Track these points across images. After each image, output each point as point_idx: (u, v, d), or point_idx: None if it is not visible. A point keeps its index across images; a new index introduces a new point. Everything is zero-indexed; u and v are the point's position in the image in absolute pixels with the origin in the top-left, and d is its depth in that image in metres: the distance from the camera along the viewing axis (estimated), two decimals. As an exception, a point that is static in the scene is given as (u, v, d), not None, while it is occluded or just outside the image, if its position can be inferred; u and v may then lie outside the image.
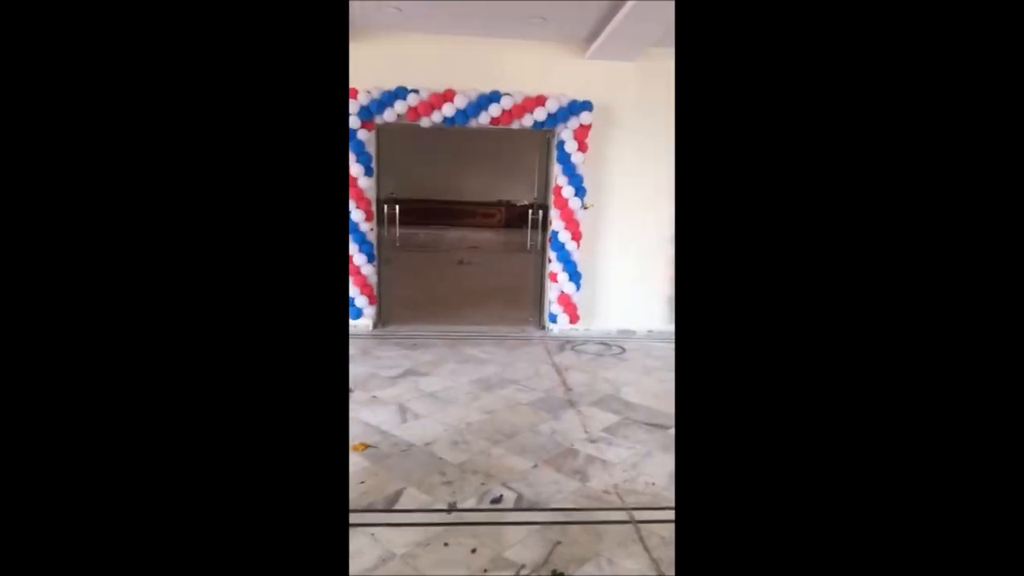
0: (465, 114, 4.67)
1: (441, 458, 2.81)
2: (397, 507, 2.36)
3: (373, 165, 4.91)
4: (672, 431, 3.23)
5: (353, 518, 2.21)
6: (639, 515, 2.37)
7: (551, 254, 5.13)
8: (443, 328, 5.31)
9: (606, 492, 2.55)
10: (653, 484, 2.63)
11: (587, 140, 4.83)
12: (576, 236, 5.00)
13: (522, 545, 2.13)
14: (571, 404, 3.59)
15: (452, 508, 2.36)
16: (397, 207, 5.42)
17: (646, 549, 2.14)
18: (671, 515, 2.38)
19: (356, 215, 4.80)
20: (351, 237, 4.83)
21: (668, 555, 2.10)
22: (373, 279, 5.08)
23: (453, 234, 12.25)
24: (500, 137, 5.23)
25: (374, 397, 3.58)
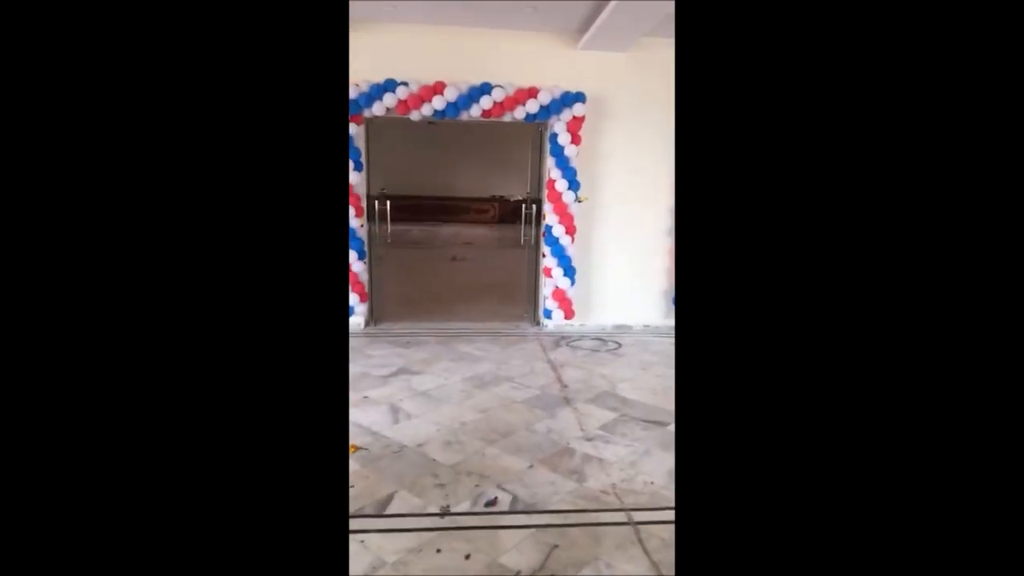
0: (456, 107, 4.58)
1: (434, 459, 2.73)
2: (388, 512, 2.28)
3: (362, 160, 4.81)
4: (670, 428, 3.16)
5: (342, 524, 2.13)
6: (638, 516, 2.30)
7: (545, 249, 5.05)
8: (436, 325, 5.22)
9: (604, 492, 2.48)
10: (652, 483, 2.57)
11: (580, 132, 4.75)
12: (570, 230, 4.92)
13: (518, 550, 2.06)
14: (567, 401, 3.52)
15: (445, 512, 2.28)
16: (388, 203, 5.33)
17: (646, 552, 2.07)
18: (671, 515, 2.31)
19: (346, 211, 4.71)
20: (341, 234, 4.73)
21: (668, 558, 2.03)
22: (364, 276, 4.99)
23: (447, 230, 12.15)
24: (493, 131, 5.15)
25: (365, 397, 3.50)
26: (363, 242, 4.92)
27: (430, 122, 4.87)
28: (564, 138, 4.73)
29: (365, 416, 3.21)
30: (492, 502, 2.36)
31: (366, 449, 2.81)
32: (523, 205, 5.33)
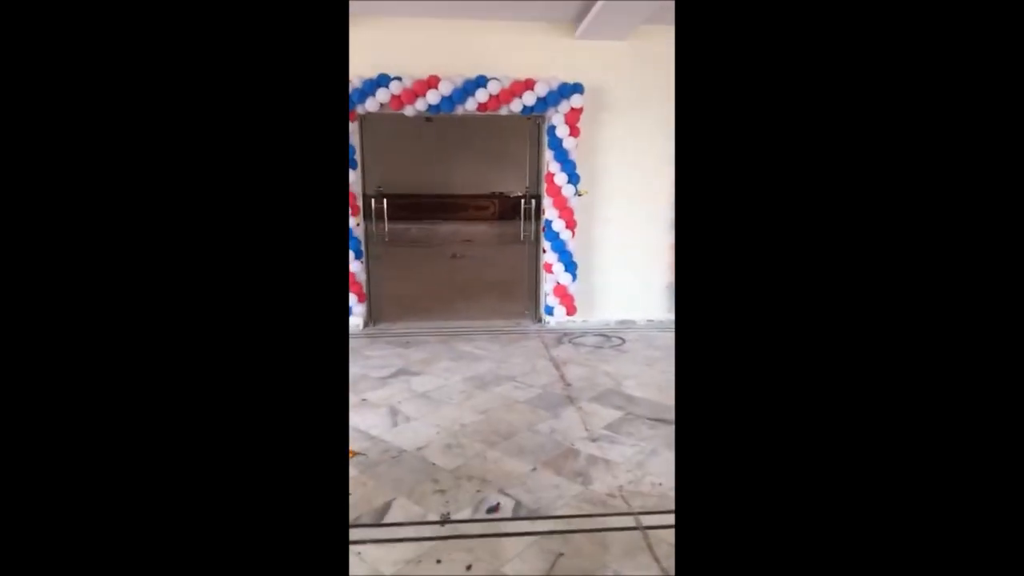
0: (451, 101, 4.47)
1: (434, 464, 2.64)
2: (386, 521, 2.19)
3: (357, 158, 4.72)
4: (677, 426, 3.07)
5: (338, 535, 2.04)
6: (646, 520, 2.21)
7: (545, 244, 4.95)
8: (436, 324, 5.13)
9: (610, 495, 2.38)
10: (660, 484, 2.47)
11: (579, 124, 4.64)
12: (570, 225, 4.82)
13: (521, 559, 1.97)
14: (570, 400, 3.42)
15: (445, 520, 2.19)
16: (385, 201, 5.23)
17: (655, 559, 1.98)
18: (681, 519, 2.22)
19: (341, 210, 4.61)
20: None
21: (680, 564, 1.93)
22: (362, 276, 4.90)
23: (446, 228, 12.05)
24: (490, 126, 5.04)
25: (364, 400, 3.41)
26: (360, 241, 4.82)
27: (427, 118, 4.78)
28: (562, 131, 4.63)
29: (363, 419, 3.12)
30: (494, 508, 2.27)
31: (364, 454, 2.72)
32: (522, 200, 5.23)
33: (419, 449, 2.79)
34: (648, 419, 3.16)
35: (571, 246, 4.86)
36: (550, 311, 4.99)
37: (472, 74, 4.49)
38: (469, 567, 1.92)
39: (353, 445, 2.81)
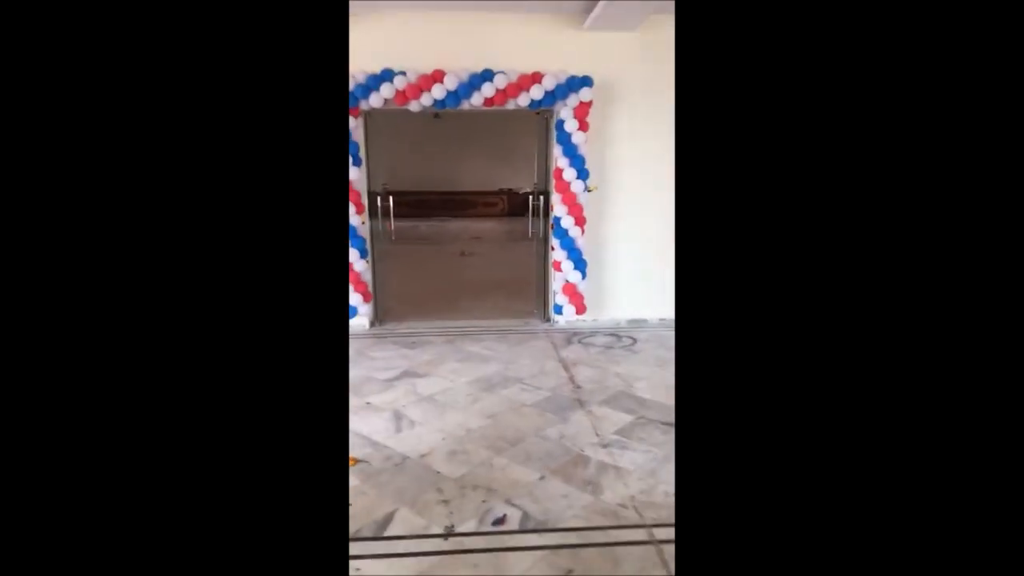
0: (456, 96, 4.37)
1: (438, 472, 2.55)
2: (387, 534, 2.10)
3: (361, 155, 4.63)
4: (691, 431, 2.95)
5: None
6: (659, 533, 2.10)
7: (554, 242, 4.84)
8: (443, 324, 5.04)
9: (622, 506, 2.28)
10: (673, 494, 2.36)
11: (588, 118, 4.51)
12: (580, 222, 4.70)
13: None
14: (580, 404, 3.32)
15: (449, 533, 2.10)
16: (391, 199, 5.14)
17: (670, 574, 1.87)
18: (696, 532, 2.11)
19: (345, 208, 4.54)
20: (341, 232, 4.56)
21: (696, 583, 1.82)
22: (367, 275, 4.82)
23: (455, 225, 11.91)
24: (498, 123, 4.93)
25: (368, 403, 3.33)
26: (364, 240, 4.74)
27: (435, 114, 4.67)
28: (571, 125, 4.50)
29: (366, 424, 3.03)
30: (500, 520, 2.17)
31: (366, 462, 2.64)
32: (531, 197, 5.12)
33: (423, 456, 2.69)
34: (660, 424, 3.05)
35: (580, 243, 4.74)
36: (559, 310, 4.88)
37: (478, 68, 4.38)
38: (473, 585, 1.83)
39: (355, 452, 2.73)
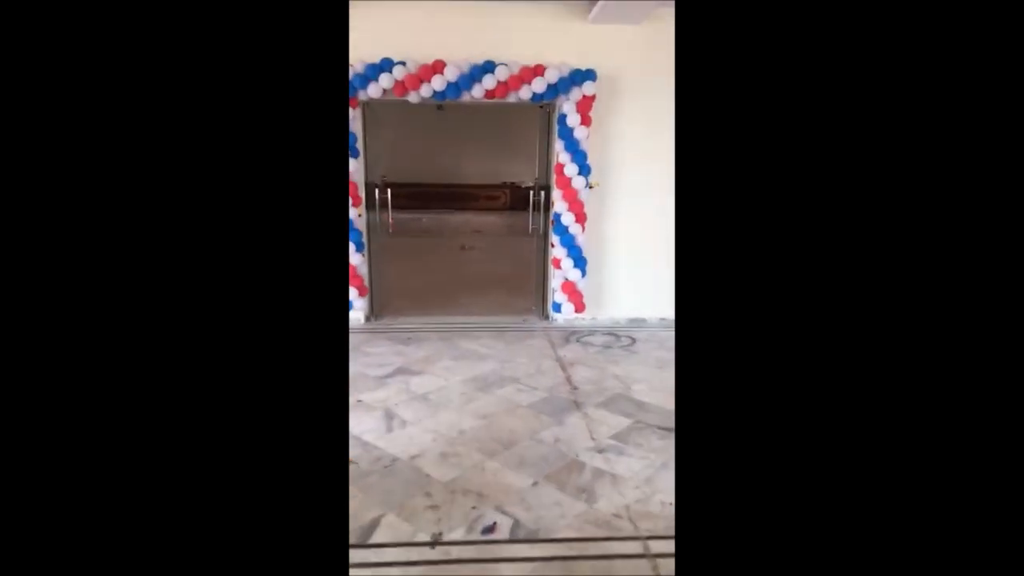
0: (457, 87, 4.27)
1: (428, 475, 2.47)
2: (372, 541, 2.03)
3: (359, 146, 4.54)
4: (690, 436, 2.88)
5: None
6: (655, 546, 2.03)
7: (554, 238, 4.75)
8: (440, 320, 4.97)
9: (616, 516, 2.20)
10: (670, 504, 2.28)
11: (591, 113, 4.42)
12: (580, 218, 4.61)
13: (517, 589, 1.80)
14: (576, 406, 3.24)
15: (437, 541, 2.03)
16: (389, 191, 5.05)
17: (665, 592, 1.80)
18: (693, 545, 2.03)
19: (342, 201, 4.45)
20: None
21: (691, 600, 1.75)
22: (363, 269, 4.74)
23: (457, 218, 11.81)
24: (501, 115, 4.83)
25: (359, 401, 3.25)
26: (361, 233, 4.65)
27: (438, 106, 4.57)
28: (573, 119, 4.40)
29: (357, 423, 2.96)
30: (490, 528, 2.10)
31: (355, 463, 2.57)
32: (531, 192, 5.03)
33: (413, 458, 2.62)
34: (658, 428, 2.97)
35: (580, 241, 4.65)
36: (558, 308, 4.80)
37: (479, 59, 4.28)
38: (459, 598, 1.76)
39: (344, 452, 2.65)
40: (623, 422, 3.04)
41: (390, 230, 5.07)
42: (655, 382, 3.64)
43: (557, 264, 4.72)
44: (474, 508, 2.23)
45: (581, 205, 4.59)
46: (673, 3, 4.09)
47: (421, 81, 4.25)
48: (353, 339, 4.38)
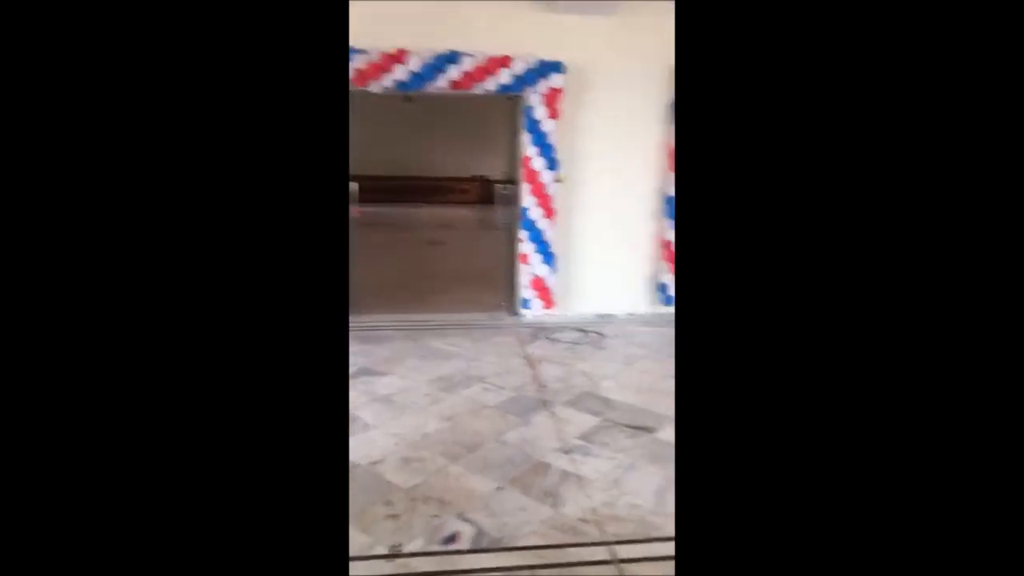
0: (420, 78, 4.15)
1: (389, 482, 2.38)
2: (326, 555, 1.93)
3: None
4: (658, 435, 2.84)
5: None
6: (621, 551, 1.98)
7: (522, 233, 4.67)
8: (406, 317, 4.84)
9: (583, 520, 2.15)
10: (637, 507, 2.24)
11: (558, 106, 4.35)
12: (549, 213, 4.54)
13: (478, 603, 1.72)
14: (544, 405, 3.18)
15: (396, 553, 1.94)
16: (357, 184, 4.90)
17: (630, 600, 1.75)
18: (660, 549, 1.99)
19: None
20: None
21: (657, 608, 1.71)
22: (326, 266, 4.59)
23: (426, 212, 11.67)
24: (471, 107, 4.75)
25: (319, 404, 3.13)
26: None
27: (407, 97, 4.44)
28: (540, 112, 4.33)
29: (316, 427, 2.84)
30: (452, 538, 2.02)
31: (312, 470, 2.45)
32: (499, 185, 4.95)
33: (374, 464, 2.52)
34: (626, 427, 2.93)
35: (549, 235, 4.59)
36: (527, 304, 4.73)
37: (443, 49, 4.16)
38: (417, 614, 1.68)
39: (301, 459, 2.54)
40: (590, 421, 2.99)
41: (356, 224, 4.92)
42: (622, 379, 3.60)
43: (525, 260, 4.65)
44: (435, 516, 2.15)
45: (549, 199, 4.52)
46: (640, -6, 4.05)
47: (383, 71, 4.11)
48: (315, 338, 4.24)
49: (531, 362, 3.86)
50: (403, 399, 3.22)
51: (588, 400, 3.26)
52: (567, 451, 2.67)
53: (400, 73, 4.10)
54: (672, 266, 4.81)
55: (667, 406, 3.17)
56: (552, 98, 4.32)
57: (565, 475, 2.47)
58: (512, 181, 4.83)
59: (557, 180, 4.52)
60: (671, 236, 4.75)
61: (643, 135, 4.62)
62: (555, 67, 4.24)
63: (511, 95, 4.45)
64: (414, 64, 4.10)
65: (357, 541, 2.00)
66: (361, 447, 2.67)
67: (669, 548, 1.99)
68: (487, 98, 4.48)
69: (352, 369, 3.65)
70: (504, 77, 4.20)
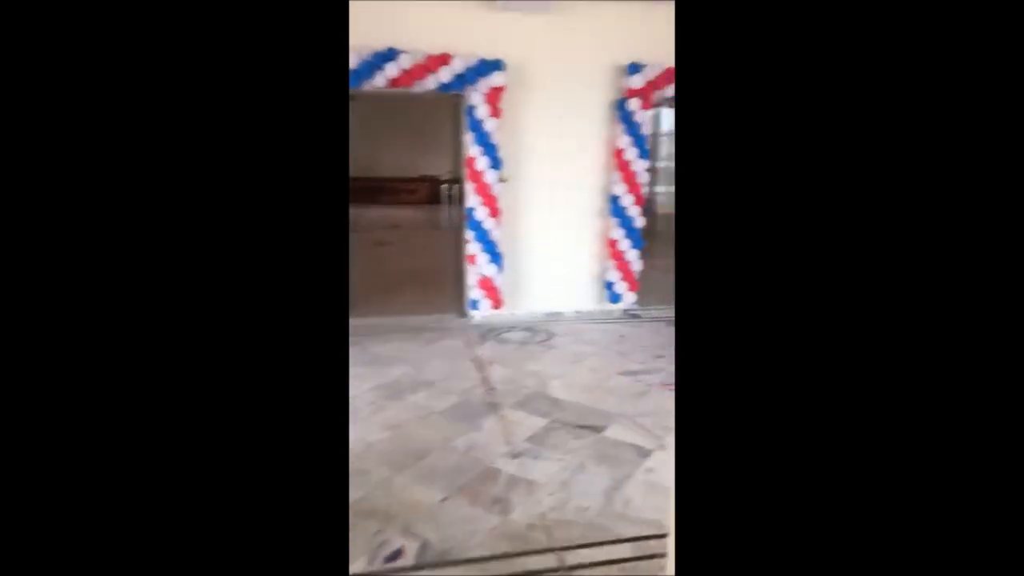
0: (357, 75, 4.01)
1: (330, 498, 2.28)
2: (260, 582, 1.82)
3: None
4: (605, 433, 2.85)
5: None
6: (570, 557, 1.95)
7: (468, 233, 4.61)
8: (353, 322, 4.70)
9: (531, 527, 2.11)
10: (585, 509, 2.22)
11: (500, 104, 4.30)
12: (495, 213, 4.49)
13: (422, 622, 1.66)
14: (492, 408, 3.13)
15: None
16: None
17: (579, 607, 1.72)
18: (609, 552, 1.98)
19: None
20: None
21: (605, 614, 1.69)
22: (263, 271, 4.39)
23: (373, 213, 11.41)
24: (419, 107, 4.64)
25: (257, 418, 2.98)
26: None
27: (350, 96, 4.28)
28: (482, 111, 4.27)
29: (252, 444, 2.70)
30: (395, 555, 1.95)
31: (246, 490, 2.33)
32: (445, 185, 4.87)
33: (314, 480, 2.41)
34: (575, 427, 2.92)
35: (495, 235, 4.54)
36: (475, 305, 4.67)
37: (381, 46, 4.04)
38: (358, 639, 1.60)
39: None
40: (539, 423, 2.97)
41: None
42: (571, 378, 3.60)
43: (472, 260, 4.59)
44: (378, 532, 2.07)
45: (495, 199, 4.47)
46: (579, -7, 4.05)
47: (318, 68, 3.96)
48: (253, 348, 4.05)
49: (480, 364, 3.80)
50: (346, 409, 3.11)
51: (537, 401, 3.23)
52: (516, 455, 2.64)
53: (336, 71, 3.96)
54: (618, 264, 4.85)
55: (614, 404, 3.18)
56: (494, 97, 4.26)
57: (514, 481, 2.43)
58: (457, 181, 4.75)
59: (501, 180, 4.48)
60: (616, 234, 4.78)
61: (587, 134, 4.64)
62: (496, 65, 4.19)
63: (453, 93, 4.37)
64: (352, 61, 3.96)
65: (294, 564, 1.90)
66: (301, 462, 2.55)
67: (617, 551, 1.98)
68: (431, 97, 4.38)
69: (293, 379, 3.51)
70: (444, 75, 4.12)
